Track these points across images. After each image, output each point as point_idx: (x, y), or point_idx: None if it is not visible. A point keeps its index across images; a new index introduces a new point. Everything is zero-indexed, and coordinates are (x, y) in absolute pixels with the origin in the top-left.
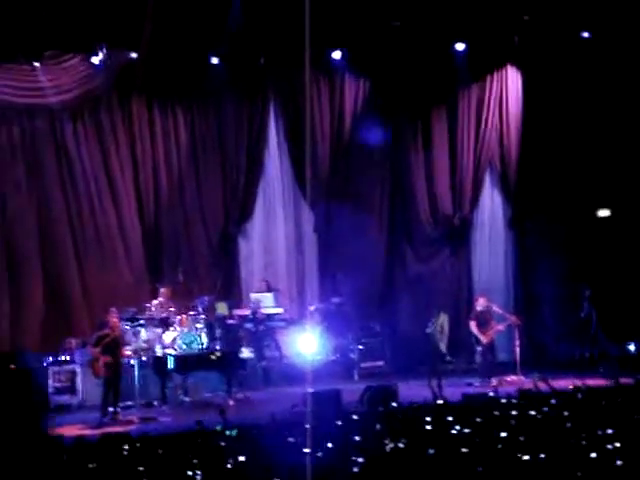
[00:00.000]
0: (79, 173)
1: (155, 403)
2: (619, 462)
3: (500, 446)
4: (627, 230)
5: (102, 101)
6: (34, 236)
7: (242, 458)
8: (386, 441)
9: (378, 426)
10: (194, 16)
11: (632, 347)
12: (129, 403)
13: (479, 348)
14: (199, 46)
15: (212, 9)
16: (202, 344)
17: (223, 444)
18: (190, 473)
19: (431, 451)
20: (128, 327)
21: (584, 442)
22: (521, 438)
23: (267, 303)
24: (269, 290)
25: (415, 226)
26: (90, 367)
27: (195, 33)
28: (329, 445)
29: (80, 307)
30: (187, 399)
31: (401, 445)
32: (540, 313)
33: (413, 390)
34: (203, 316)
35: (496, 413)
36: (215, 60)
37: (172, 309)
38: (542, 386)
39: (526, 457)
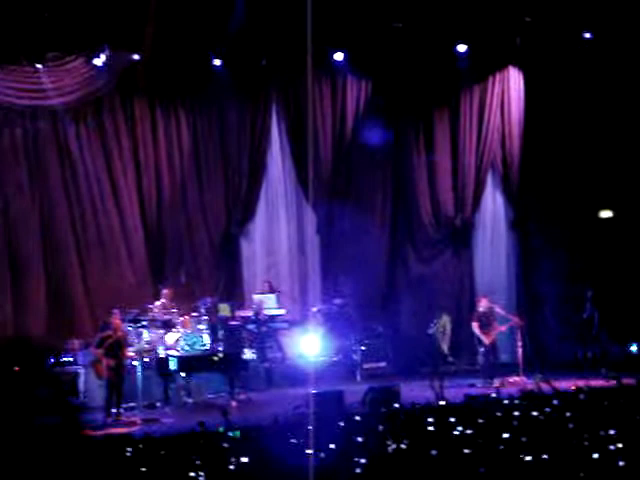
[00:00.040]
0: (82, 175)
1: (158, 404)
2: (621, 463)
3: (502, 447)
4: (629, 231)
5: (105, 103)
6: (37, 237)
7: (245, 459)
8: (388, 442)
9: (380, 427)
10: (196, 18)
11: (634, 348)
12: (132, 404)
13: (481, 349)
14: (201, 48)
15: (214, 11)
16: (205, 345)
17: (226, 445)
18: (193, 474)
19: (433, 452)
20: (131, 328)
21: (586, 443)
22: (523, 439)
23: (269, 304)
24: (271, 291)
25: (417, 227)
26: (93, 368)
27: (197, 35)
28: (331, 446)
29: (83, 308)
30: (190, 400)
31: (403, 446)
32: (542, 314)
33: (415, 391)
34: (206, 317)
35: (498, 414)
36: (217, 62)
37: (175, 310)
38: (544, 387)
39: (528, 458)
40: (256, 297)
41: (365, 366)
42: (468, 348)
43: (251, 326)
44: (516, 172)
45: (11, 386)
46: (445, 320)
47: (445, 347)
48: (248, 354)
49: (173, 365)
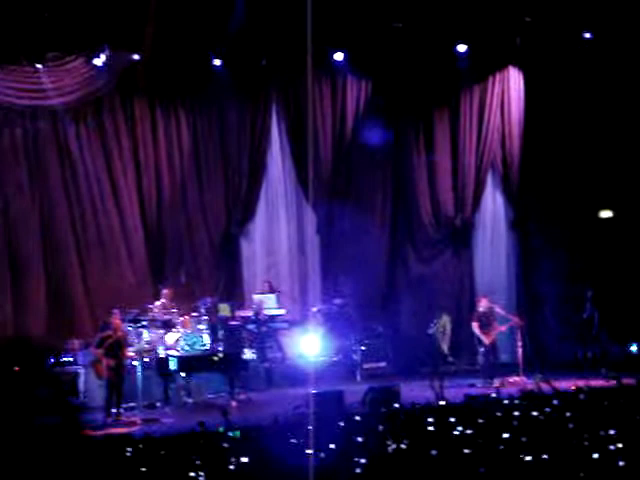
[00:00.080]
0: (82, 175)
1: (158, 404)
2: (621, 463)
3: (502, 447)
4: (629, 231)
5: (105, 103)
6: (37, 237)
7: (245, 459)
8: (388, 442)
9: (380, 427)
10: (196, 18)
11: (634, 348)
12: (132, 404)
13: (481, 349)
14: (201, 48)
15: (214, 11)
16: (205, 345)
17: (226, 445)
18: (193, 474)
19: (434, 452)
20: (131, 328)
21: (586, 443)
22: (523, 439)
23: (269, 304)
24: (271, 291)
25: (417, 227)
26: (93, 368)
27: (197, 35)
28: (331, 446)
29: (83, 308)
30: (190, 400)
31: (403, 446)
32: (542, 314)
33: (415, 391)
34: (206, 317)
35: (498, 414)
36: (217, 62)
37: (175, 310)
38: (544, 387)
39: (528, 458)
40: (256, 297)
41: (365, 366)
42: (468, 348)
43: (251, 326)
44: (516, 172)
45: (11, 386)
46: (445, 320)
47: (445, 347)
48: (248, 354)
49: (173, 365)
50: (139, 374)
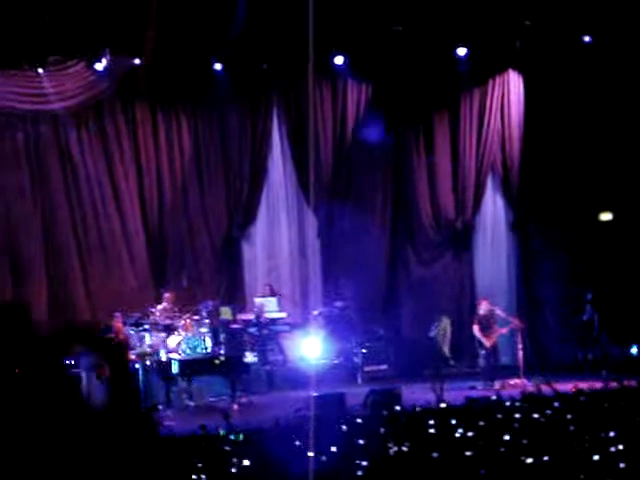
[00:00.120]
0: (83, 178)
1: (159, 407)
2: (622, 465)
3: (503, 449)
4: (629, 233)
5: (106, 107)
6: (38, 241)
7: (247, 462)
8: (390, 444)
9: (382, 429)
10: (197, 22)
11: (634, 350)
12: None
13: (482, 351)
14: (202, 52)
15: (215, 15)
16: (206, 348)
17: (227, 448)
18: (194, 477)
19: (435, 454)
20: (132, 332)
21: (587, 445)
22: (524, 441)
23: (271, 307)
24: (272, 295)
25: (418, 230)
26: (95, 372)
27: (198, 39)
28: (333, 449)
29: (84, 312)
30: (191, 403)
31: (405, 448)
32: (543, 316)
33: (417, 394)
34: (207, 321)
35: (499, 416)
36: (218, 66)
37: (176, 314)
38: (545, 389)
39: (529, 460)
40: (257, 300)
41: (366, 369)
42: (469, 351)
43: (252, 329)
44: (516, 175)
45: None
46: (446, 323)
47: (446, 350)
48: (249, 357)
49: (175, 368)
50: (141, 377)
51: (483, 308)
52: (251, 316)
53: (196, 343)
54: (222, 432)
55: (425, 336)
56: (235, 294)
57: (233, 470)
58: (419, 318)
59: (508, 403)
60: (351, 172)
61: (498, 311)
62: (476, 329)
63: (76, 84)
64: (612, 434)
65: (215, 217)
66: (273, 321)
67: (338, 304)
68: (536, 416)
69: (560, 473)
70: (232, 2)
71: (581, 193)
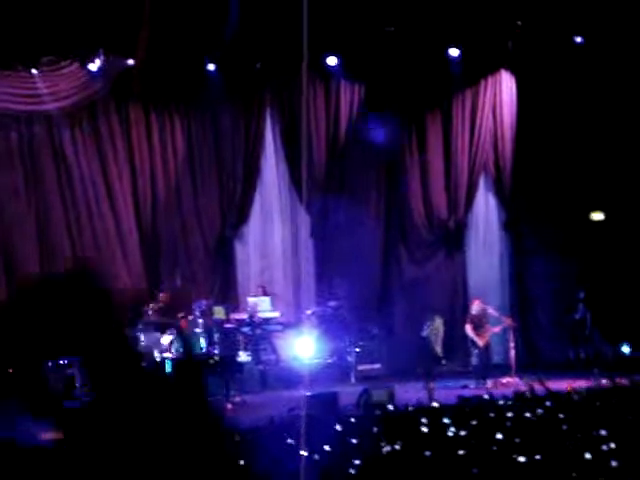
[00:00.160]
0: (77, 178)
1: None
2: (614, 463)
3: (496, 448)
4: (620, 232)
5: (99, 107)
6: (33, 241)
7: (240, 462)
8: (383, 443)
9: (375, 429)
10: (190, 23)
11: (626, 348)
12: None
13: (475, 350)
14: (195, 53)
15: (208, 16)
16: (202, 349)
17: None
18: None
19: (427, 453)
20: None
21: (579, 443)
22: (517, 440)
23: (264, 307)
24: (266, 294)
25: (410, 229)
26: None
27: (191, 40)
28: (326, 448)
29: None
30: None
31: (397, 447)
32: (535, 315)
33: (410, 393)
34: (201, 320)
35: (492, 415)
36: (211, 66)
37: (172, 312)
38: (536, 387)
39: (522, 459)
40: (251, 300)
41: (359, 368)
42: (461, 350)
43: (246, 329)
44: (508, 174)
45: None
46: (438, 322)
47: (439, 349)
48: (243, 356)
49: (168, 368)
50: None
51: (475, 307)
52: (244, 316)
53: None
54: None
55: (418, 335)
56: (228, 294)
57: None
58: (412, 317)
59: (501, 402)
60: (344, 172)
61: (490, 310)
62: (469, 328)
63: (70, 84)
64: (604, 432)
65: (208, 217)
66: (266, 320)
67: (331, 303)
68: (528, 415)
69: (552, 472)
70: (225, 3)
71: (573, 193)
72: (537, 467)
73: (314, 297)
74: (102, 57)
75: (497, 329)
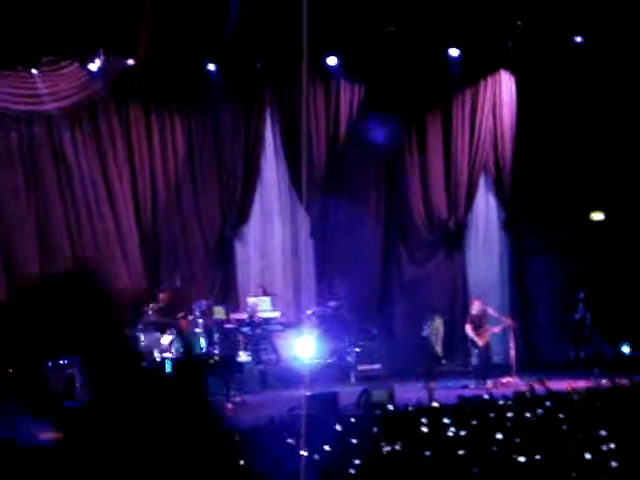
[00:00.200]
0: (77, 179)
1: None
2: (614, 463)
3: (496, 448)
4: (620, 232)
5: (100, 107)
6: (32, 241)
7: (240, 462)
8: (383, 443)
9: (375, 429)
10: (190, 23)
11: (626, 348)
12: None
13: (475, 350)
14: (196, 53)
15: (208, 15)
16: (202, 349)
17: None
18: None
19: (427, 453)
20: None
21: (579, 443)
22: (517, 440)
23: (264, 307)
24: (266, 294)
25: (411, 230)
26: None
27: (191, 39)
28: (326, 448)
29: None
30: None
31: (398, 447)
32: (535, 315)
33: (410, 393)
34: (201, 320)
35: (492, 415)
36: (212, 66)
37: (173, 312)
38: (537, 387)
39: (522, 459)
40: (251, 300)
41: (359, 368)
42: (461, 350)
43: (246, 329)
44: (508, 174)
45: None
46: (438, 322)
47: (439, 349)
48: (243, 356)
49: (168, 368)
50: None
51: (475, 307)
52: (244, 316)
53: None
54: None
55: (418, 335)
56: (228, 294)
57: None
58: (412, 317)
59: (501, 402)
60: (344, 172)
61: (490, 310)
62: (469, 328)
63: (70, 84)
64: (604, 433)
65: (208, 217)
66: (266, 320)
67: (331, 303)
68: (528, 415)
69: (552, 472)
70: (225, 2)
71: (573, 193)
72: (537, 467)
73: (314, 297)
74: (102, 57)
75: (497, 329)
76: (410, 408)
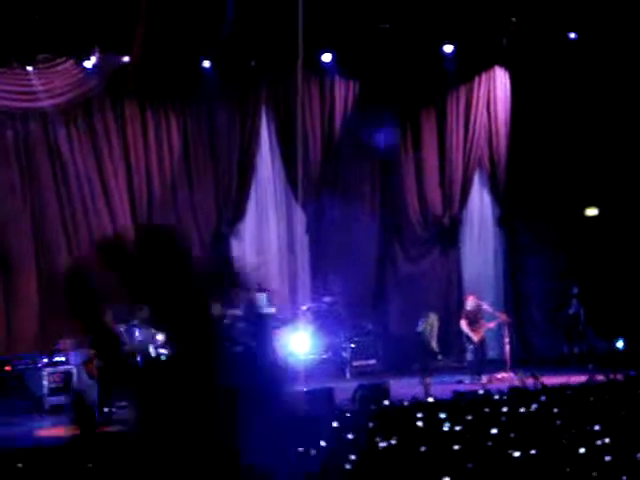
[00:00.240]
0: (72, 175)
1: None
2: (608, 458)
3: (491, 443)
4: (614, 228)
5: (95, 105)
6: (28, 238)
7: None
8: (378, 438)
9: (370, 424)
10: (186, 20)
11: (620, 343)
12: (124, 403)
13: (470, 346)
14: (191, 50)
15: (204, 13)
16: None
17: None
18: None
19: (423, 448)
20: (122, 327)
21: (574, 438)
22: (512, 435)
23: (260, 302)
24: (261, 290)
25: (406, 226)
26: (85, 368)
27: (187, 37)
28: (322, 443)
29: None
30: None
31: (393, 442)
32: (529, 311)
33: (405, 388)
34: None
35: (486, 410)
36: (207, 63)
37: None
38: (529, 382)
39: (517, 453)
40: None
41: (355, 363)
42: (456, 345)
43: (241, 325)
44: (503, 170)
45: None
46: (433, 318)
47: (434, 345)
48: None
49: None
50: None
51: (470, 303)
52: (239, 312)
53: None
54: None
55: (413, 331)
56: None
57: None
58: (407, 313)
59: (496, 397)
60: (339, 168)
61: (485, 306)
62: (464, 324)
63: (65, 82)
64: (598, 427)
65: (204, 213)
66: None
67: (327, 299)
68: (523, 410)
69: (547, 466)
70: (221, 0)
71: (567, 189)
72: (532, 462)
73: (309, 293)
74: (97, 54)
75: (492, 325)
76: (405, 403)
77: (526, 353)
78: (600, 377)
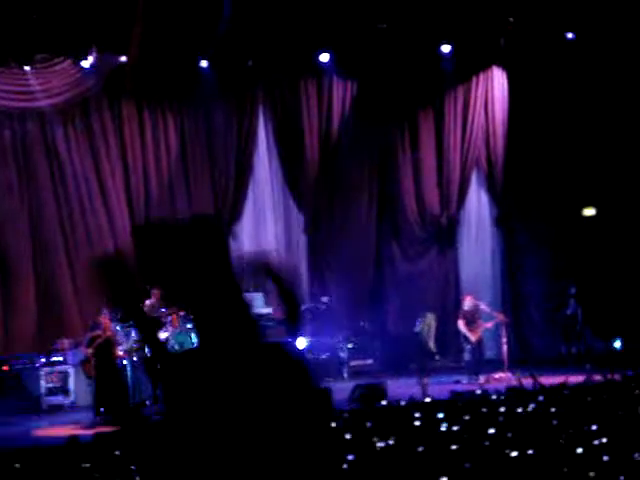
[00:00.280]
0: (70, 175)
1: (148, 403)
2: (605, 457)
3: (488, 443)
4: (612, 228)
5: (92, 104)
6: (26, 238)
7: None
8: (375, 439)
9: (368, 424)
10: (183, 20)
11: (618, 343)
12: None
13: (467, 346)
14: (188, 50)
15: (201, 12)
16: (193, 344)
17: None
18: None
19: (420, 448)
20: (120, 328)
21: (571, 438)
22: (509, 435)
23: (257, 303)
24: (258, 290)
25: (403, 226)
26: (82, 368)
27: (184, 37)
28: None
29: (72, 308)
30: None
31: (391, 442)
32: (527, 311)
33: (402, 388)
34: None
35: (484, 410)
36: (204, 63)
37: (163, 310)
38: (525, 382)
39: (514, 453)
40: None
41: (352, 363)
42: (454, 345)
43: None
44: (500, 170)
45: None
46: (430, 318)
47: (432, 344)
48: None
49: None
50: (129, 373)
51: (468, 303)
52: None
53: (183, 339)
54: None
55: (410, 331)
56: None
57: None
58: (404, 313)
59: (493, 397)
60: (336, 168)
61: (483, 306)
62: (461, 324)
63: (63, 81)
64: (595, 427)
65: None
66: (259, 316)
67: (324, 299)
68: (520, 410)
69: (544, 466)
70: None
71: (565, 189)
72: (529, 462)
73: (307, 293)
74: (95, 54)
75: (489, 325)
76: (403, 403)
77: (524, 353)
78: (598, 377)
